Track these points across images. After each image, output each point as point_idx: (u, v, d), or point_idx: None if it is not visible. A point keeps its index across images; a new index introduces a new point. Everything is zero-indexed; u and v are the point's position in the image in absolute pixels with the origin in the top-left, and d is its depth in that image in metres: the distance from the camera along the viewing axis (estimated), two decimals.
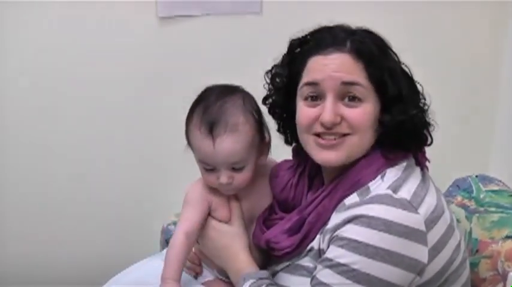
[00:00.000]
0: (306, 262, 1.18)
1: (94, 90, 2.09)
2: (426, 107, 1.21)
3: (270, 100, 1.30)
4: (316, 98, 1.17)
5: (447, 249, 1.12)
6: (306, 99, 1.18)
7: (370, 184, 1.15)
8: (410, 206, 1.08)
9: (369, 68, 1.15)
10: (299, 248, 1.19)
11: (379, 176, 1.15)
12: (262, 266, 1.27)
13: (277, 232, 1.22)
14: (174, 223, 1.76)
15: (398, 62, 1.20)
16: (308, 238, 1.18)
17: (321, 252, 1.15)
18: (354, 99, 1.15)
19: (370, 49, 1.16)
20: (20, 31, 2.04)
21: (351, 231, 1.08)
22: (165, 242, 1.77)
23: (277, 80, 1.27)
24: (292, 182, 1.28)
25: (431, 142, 1.21)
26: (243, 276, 1.21)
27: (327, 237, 1.13)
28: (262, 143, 1.29)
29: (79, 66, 2.07)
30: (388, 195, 1.10)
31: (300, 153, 1.28)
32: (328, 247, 1.12)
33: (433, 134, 1.21)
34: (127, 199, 2.18)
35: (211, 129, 1.20)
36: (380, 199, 1.09)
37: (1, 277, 2.20)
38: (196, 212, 1.28)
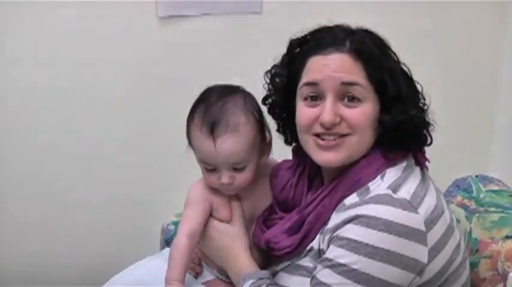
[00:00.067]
0: (306, 262, 1.19)
1: (94, 90, 2.09)
2: (426, 107, 1.21)
3: (270, 100, 1.30)
4: (315, 98, 1.17)
5: (447, 249, 1.13)
6: (305, 99, 1.18)
7: (370, 184, 1.15)
8: (410, 206, 1.08)
9: (368, 68, 1.15)
10: (299, 248, 1.19)
11: (378, 176, 1.15)
12: (263, 266, 1.27)
13: (277, 231, 1.22)
14: (174, 223, 1.76)
15: (398, 62, 1.20)
16: (308, 238, 1.19)
17: (320, 252, 1.15)
18: (353, 99, 1.15)
19: (370, 49, 1.16)
20: (20, 31, 2.04)
21: (351, 231, 1.08)
22: (165, 242, 1.77)
23: (277, 80, 1.27)
24: (292, 182, 1.28)
25: (431, 142, 1.21)
26: (243, 276, 1.21)
27: (327, 237, 1.13)
28: (263, 143, 1.29)
29: (79, 66, 2.06)
30: (388, 195, 1.10)
31: (299, 153, 1.28)
32: (328, 247, 1.12)
33: (433, 134, 1.21)
34: (127, 199, 2.18)
35: (213, 129, 1.21)
36: (380, 199, 1.09)
37: (1, 277, 2.20)
38: (198, 212, 1.28)
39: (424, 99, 1.21)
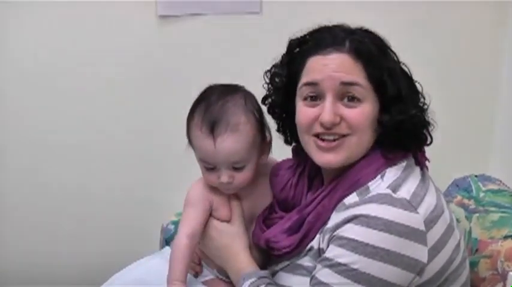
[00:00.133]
0: (306, 261, 1.18)
1: (94, 90, 2.09)
2: (426, 107, 1.21)
3: (270, 100, 1.30)
4: (315, 98, 1.17)
5: (447, 249, 1.12)
6: (305, 99, 1.18)
7: (369, 184, 1.15)
8: (410, 205, 1.08)
9: (368, 68, 1.15)
10: (299, 248, 1.19)
11: (378, 176, 1.15)
12: (262, 265, 1.27)
13: (276, 231, 1.22)
14: (174, 223, 1.76)
15: (398, 62, 1.20)
16: (308, 237, 1.18)
17: (320, 252, 1.15)
18: (353, 99, 1.15)
19: (370, 49, 1.16)
20: (20, 31, 2.04)
21: (351, 231, 1.08)
22: (165, 241, 1.77)
23: (277, 79, 1.27)
24: (292, 182, 1.28)
25: (431, 142, 1.21)
26: (243, 275, 1.21)
27: (327, 237, 1.13)
28: (263, 143, 1.29)
29: (79, 66, 2.07)
30: (388, 195, 1.10)
31: (299, 153, 1.28)
32: (327, 246, 1.12)
33: (432, 134, 1.21)
34: (127, 199, 2.18)
35: (213, 128, 1.21)
36: (380, 199, 1.09)
37: (1, 277, 2.20)
38: (198, 212, 1.28)
39: (424, 99, 1.21)
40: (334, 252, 1.09)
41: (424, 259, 1.08)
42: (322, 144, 1.16)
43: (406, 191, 1.11)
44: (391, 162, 1.17)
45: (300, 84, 1.19)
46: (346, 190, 1.16)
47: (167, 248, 1.46)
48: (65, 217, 2.20)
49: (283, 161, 1.34)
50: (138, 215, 2.18)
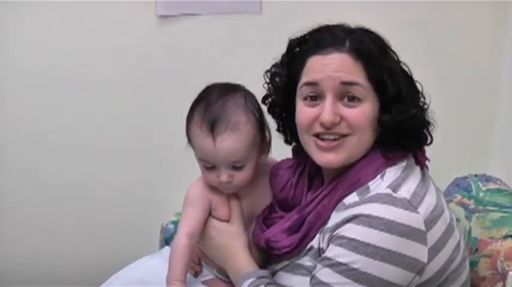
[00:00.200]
0: (306, 261, 1.18)
1: (93, 89, 2.09)
2: (426, 107, 1.21)
3: (270, 99, 1.30)
4: (315, 98, 1.17)
5: (447, 248, 1.13)
6: (305, 99, 1.18)
7: (369, 183, 1.15)
8: (410, 205, 1.08)
9: (368, 67, 1.15)
10: (299, 248, 1.19)
11: (378, 176, 1.15)
12: (262, 265, 1.27)
13: (276, 231, 1.22)
14: (174, 222, 1.76)
15: (398, 62, 1.20)
16: (308, 237, 1.19)
17: (320, 251, 1.15)
18: (353, 99, 1.15)
19: (370, 49, 1.16)
20: (20, 31, 2.04)
21: (351, 230, 1.08)
22: (164, 240, 1.77)
23: (277, 79, 1.27)
24: (292, 182, 1.28)
25: (431, 141, 1.21)
26: (243, 275, 1.21)
27: (327, 236, 1.13)
28: (262, 142, 1.29)
29: (78, 65, 2.07)
30: (388, 194, 1.10)
31: (299, 152, 1.28)
32: (327, 246, 1.12)
33: (432, 133, 1.21)
34: (126, 198, 2.18)
35: (212, 127, 1.21)
36: (380, 198, 1.09)
37: (1, 277, 2.20)
38: (197, 211, 1.28)
39: (424, 98, 1.21)
40: (334, 252, 1.09)
41: (424, 259, 1.08)
42: (322, 144, 1.16)
43: (406, 191, 1.11)
44: (391, 162, 1.17)
45: (300, 84, 1.19)
46: (346, 190, 1.16)
47: (167, 248, 1.46)
48: (65, 217, 2.20)
49: (283, 160, 1.34)
50: (138, 215, 2.18)
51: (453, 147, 1.98)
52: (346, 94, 1.15)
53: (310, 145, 1.19)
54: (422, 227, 1.07)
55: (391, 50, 1.21)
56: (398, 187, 1.11)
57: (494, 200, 1.47)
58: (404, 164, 1.17)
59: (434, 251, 1.09)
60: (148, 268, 1.38)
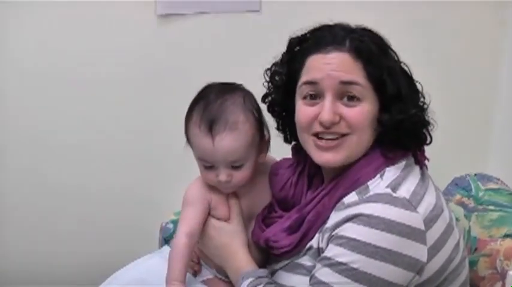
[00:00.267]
0: (305, 260, 1.18)
1: (93, 89, 2.09)
2: (425, 106, 1.21)
3: (269, 98, 1.30)
4: (315, 97, 1.17)
5: (446, 248, 1.13)
6: (305, 98, 1.18)
7: (369, 183, 1.15)
8: (410, 205, 1.08)
9: (368, 67, 1.15)
10: (298, 247, 1.19)
11: (378, 175, 1.15)
12: (262, 264, 1.27)
13: (276, 230, 1.22)
14: (173, 222, 1.76)
15: (398, 61, 1.20)
16: (307, 236, 1.18)
17: (320, 251, 1.15)
18: (352, 98, 1.15)
19: (370, 48, 1.16)
20: (20, 31, 2.04)
21: (351, 230, 1.08)
22: (164, 240, 1.77)
23: (277, 78, 1.27)
24: (291, 181, 1.28)
25: (431, 141, 1.21)
26: (242, 274, 1.21)
27: (326, 236, 1.13)
28: (261, 142, 1.29)
29: (78, 65, 2.07)
30: (388, 194, 1.10)
31: (299, 151, 1.28)
32: (327, 245, 1.12)
33: (432, 133, 1.21)
34: (126, 198, 2.18)
35: (211, 127, 1.20)
36: (379, 198, 1.09)
37: (1, 277, 2.20)
38: (197, 211, 1.28)
39: (424, 98, 1.21)
40: (333, 251, 1.09)
41: (424, 258, 1.08)
42: (322, 143, 1.16)
43: (405, 190, 1.11)
44: (390, 161, 1.17)
45: (299, 83, 1.19)
46: (346, 189, 1.16)
47: (166, 247, 1.46)
48: (65, 217, 2.20)
49: (283, 160, 1.34)
50: (137, 214, 2.18)
51: (453, 147, 1.99)
52: (346, 93, 1.15)
53: (309, 144, 1.19)
54: (422, 227, 1.07)
55: (391, 49, 1.21)
56: (397, 187, 1.11)
57: (493, 199, 1.47)
58: (403, 163, 1.17)
59: (433, 251, 1.09)
60: (148, 268, 1.38)
